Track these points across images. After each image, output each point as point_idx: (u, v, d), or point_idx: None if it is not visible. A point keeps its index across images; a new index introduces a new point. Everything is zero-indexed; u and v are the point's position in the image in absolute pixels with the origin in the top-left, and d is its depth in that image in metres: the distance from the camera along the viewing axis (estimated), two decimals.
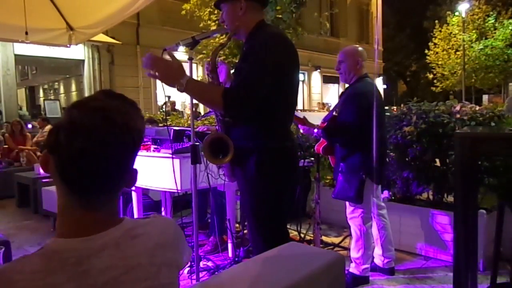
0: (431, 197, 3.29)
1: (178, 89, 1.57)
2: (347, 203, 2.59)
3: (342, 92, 2.71)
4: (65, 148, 0.72)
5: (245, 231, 3.07)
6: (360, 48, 2.68)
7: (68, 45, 4.32)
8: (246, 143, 1.68)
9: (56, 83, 15.21)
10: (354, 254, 2.61)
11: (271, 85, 1.61)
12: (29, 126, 8.08)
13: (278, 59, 1.64)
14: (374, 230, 2.69)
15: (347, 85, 2.66)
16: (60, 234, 0.75)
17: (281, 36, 1.77)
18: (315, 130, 2.61)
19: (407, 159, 3.18)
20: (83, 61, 11.25)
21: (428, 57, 20.05)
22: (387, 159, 3.07)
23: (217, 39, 7.98)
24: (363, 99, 2.44)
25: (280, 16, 9.32)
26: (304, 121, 2.65)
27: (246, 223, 2.66)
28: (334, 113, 2.66)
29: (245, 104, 1.59)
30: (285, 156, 1.74)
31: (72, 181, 0.74)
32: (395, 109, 5.02)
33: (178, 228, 0.89)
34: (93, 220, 0.75)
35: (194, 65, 2.12)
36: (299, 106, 17.41)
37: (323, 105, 17.38)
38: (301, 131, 2.75)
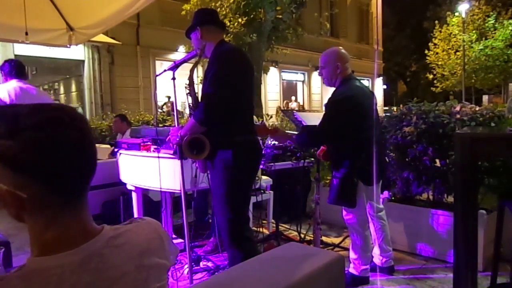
0: (431, 197, 3.29)
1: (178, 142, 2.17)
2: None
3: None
4: (62, 142, 0.67)
5: None
6: (341, 50, 2.59)
7: (68, 46, 4.31)
8: (224, 139, 2.07)
9: (56, 84, 15.17)
10: (352, 255, 2.61)
11: (232, 92, 1.99)
12: None
13: (233, 69, 2.04)
14: (372, 231, 2.69)
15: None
16: (38, 252, 0.69)
17: (234, 50, 2.22)
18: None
19: (407, 159, 3.18)
20: (83, 61, 11.23)
21: (428, 58, 20.05)
22: (385, 159, 3.07)
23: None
24: (339, 106, 2.40)
25: (280, 16, 9.31)
26: (274, 132, 2.60)
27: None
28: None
29: (214, 117, 2.02)
30: (253, 147, 2.18)
31: (66, 176, 0.69)
32: (395, 110, 5.03)
33: (162, 230, 0.86)
34: (76, 229, 0.71)
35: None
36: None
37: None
38: (272, 142, 2.72)
